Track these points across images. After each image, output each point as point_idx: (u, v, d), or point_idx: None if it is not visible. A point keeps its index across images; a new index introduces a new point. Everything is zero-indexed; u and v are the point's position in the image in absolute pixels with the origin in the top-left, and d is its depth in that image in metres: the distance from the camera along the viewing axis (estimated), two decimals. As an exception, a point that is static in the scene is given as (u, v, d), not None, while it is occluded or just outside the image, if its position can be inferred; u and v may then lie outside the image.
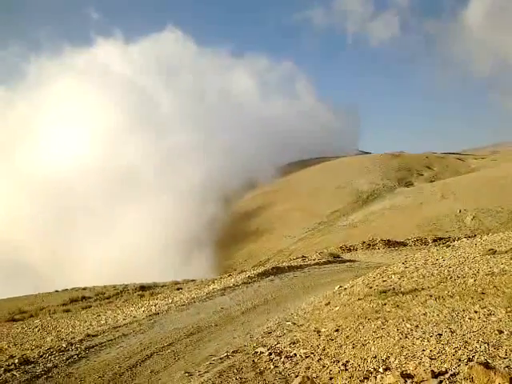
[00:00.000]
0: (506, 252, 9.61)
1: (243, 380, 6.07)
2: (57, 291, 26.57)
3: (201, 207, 66.60)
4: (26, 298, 24.35)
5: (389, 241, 27.34)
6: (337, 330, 7.01)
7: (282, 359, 6.54)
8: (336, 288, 10.58)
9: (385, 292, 8.28)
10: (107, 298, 19.22)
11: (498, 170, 54.14)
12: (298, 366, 6.13)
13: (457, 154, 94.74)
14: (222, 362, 6.95)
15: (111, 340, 9.42)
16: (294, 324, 8.43)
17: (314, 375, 5.53)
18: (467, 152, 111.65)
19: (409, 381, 4.47)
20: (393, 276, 9.88)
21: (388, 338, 5.99)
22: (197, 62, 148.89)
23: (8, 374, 7.59)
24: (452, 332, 5.54)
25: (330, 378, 5.31)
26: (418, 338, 5.62)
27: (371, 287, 9.33)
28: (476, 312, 6.08)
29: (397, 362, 5.15)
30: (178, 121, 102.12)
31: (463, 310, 6.27)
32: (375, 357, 5.51)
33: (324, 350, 6.41)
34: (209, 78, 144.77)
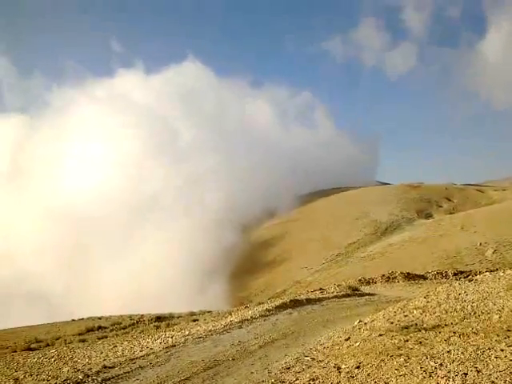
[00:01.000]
0: (532, 288, 9.34)
1: (262, 417, 5.94)
2: (73, 320, 26.66)
3: (218, 235, 66.44)
4: (42, 327, 24.39)
5: (408, 274, 26.79)
6: (358, 367, 6.84)
7: (301, 396, 6.40)
8: (356, 322, 10.37)
9: (407, 328, 8.10)
10: (123, 329, 19.08)
11: (519, 202, 53.14)
12: (318, 404, 5.99)
13: (477, 185, 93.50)
14: (239, 398, 6.83)
15: (128, 372, 9.33)
16: (313, 359, 8.25)
17: (335, 414, 5.39)
18: (488, 183, 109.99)
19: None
20: (414, 311, 9.66)
21: (411, 376, 5.82)
22: (216, 91, 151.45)
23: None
24: (478, 371, 5.38)
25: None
26: (442, 377, 5.46)
27: (392, 322, 9.13)
28: (502, 350, 5.90)
29: (421, 402, 5.01)
30: (197, 148, 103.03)
31: (489, 349, 6.09)
32: (398, 396, 5.36)
33: (345, 387, 6.25)
34: (228, 107, 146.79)
